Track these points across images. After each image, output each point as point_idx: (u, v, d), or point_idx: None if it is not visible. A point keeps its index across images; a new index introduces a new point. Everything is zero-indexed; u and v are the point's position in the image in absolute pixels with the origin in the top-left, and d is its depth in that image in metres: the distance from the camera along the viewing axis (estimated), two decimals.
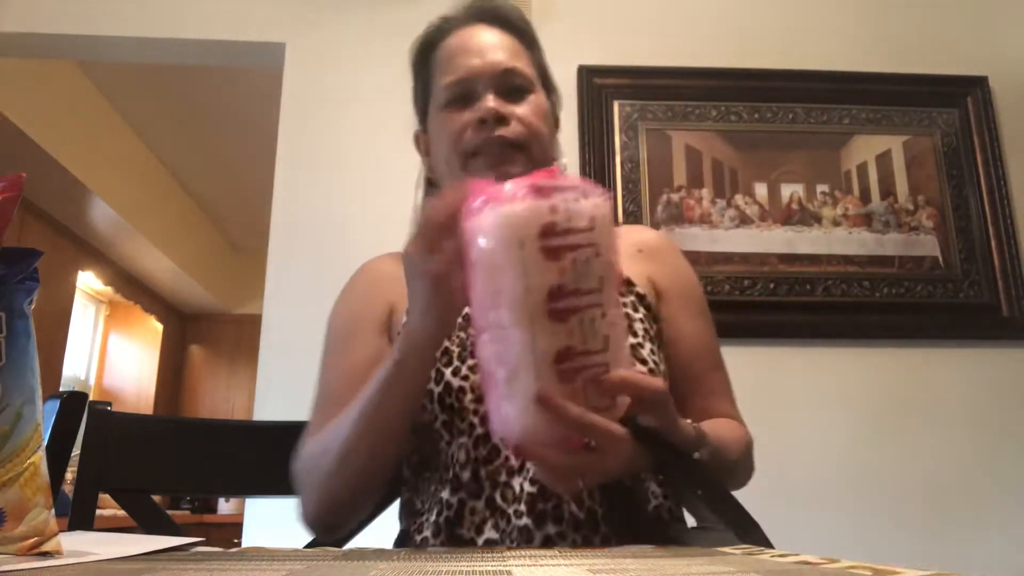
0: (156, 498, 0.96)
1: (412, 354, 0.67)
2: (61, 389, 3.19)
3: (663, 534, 0.69)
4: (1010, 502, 1.79)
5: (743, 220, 1.95)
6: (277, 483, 1.01)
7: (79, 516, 0.88)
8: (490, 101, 0.81)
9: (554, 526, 0.69)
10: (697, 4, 2.15)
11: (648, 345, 0.79)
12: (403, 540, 0.80)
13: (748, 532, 0.61)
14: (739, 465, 0.80)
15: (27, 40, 2.10)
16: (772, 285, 1.89)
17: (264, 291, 1.88)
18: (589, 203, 0.57)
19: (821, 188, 1.99)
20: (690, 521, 0.76)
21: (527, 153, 0.81)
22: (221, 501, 4.87)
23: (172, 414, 5.08)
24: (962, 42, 2.14)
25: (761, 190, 1.98)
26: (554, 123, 0.90)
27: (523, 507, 0.70)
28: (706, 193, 1.97)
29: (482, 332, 0.58)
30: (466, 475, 0.73)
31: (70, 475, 1.29)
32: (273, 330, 1.86)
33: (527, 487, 0.70)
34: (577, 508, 0.70)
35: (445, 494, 0.73)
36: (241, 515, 1.89)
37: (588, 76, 2.01)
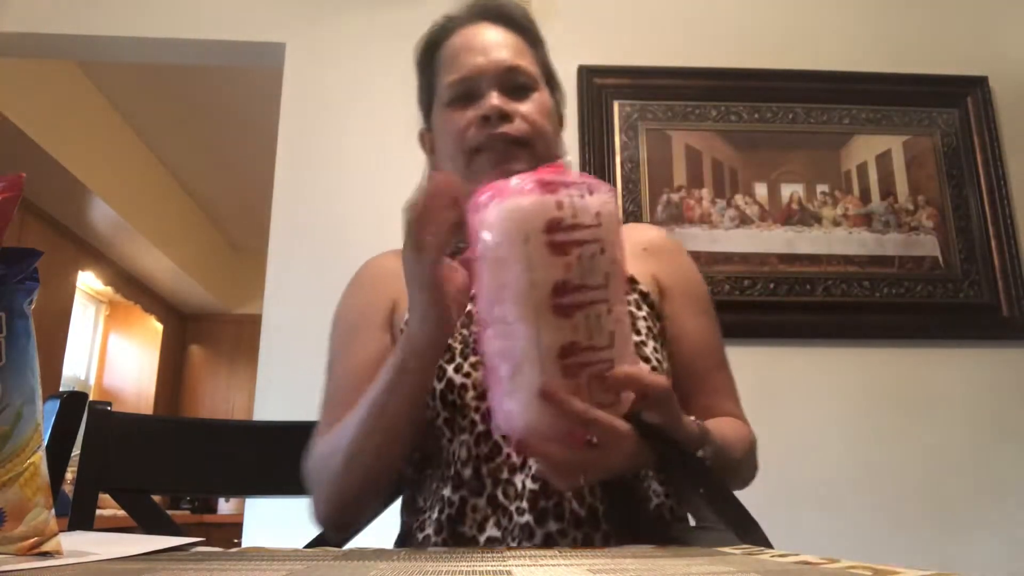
0: (156, 498, 0.96)
1: (413, 357, 0.67)
2: (61, 389, 3.19)
3: (664, 533, 0.69)
4: (1010, 502, 1.79)
5: (743, 220, 1.95)
6: (277, 483, 1.01)
7: (79, 516, 0.88)
8: (494, 99, 0.81)
9: (555, 523, 0.69)
10: (697, 4, 2.15)
11: (651, 343, 0.79)
12: (405, 537, 0.80)
13: (748, 532, 0.61)
14: (742, 464, 0.80)
15: (27, 40, 2.10)
16: (772, 285, 1.89)
17: (264, 291, 1.88)
18: (595, 199, 0.57)
19: (821, 188, 1.99)
20: (690, 520, 0.76)
21: (531, 150, 0.82)
22: (221, 501, 4.87)
23: (172, 414, 5.08)
24: (962, 42, 2.14)
25: (761, 190, 1.98)
26: (558, 121, 0.90)
27: (525, 504, 0.70)
28: (706, 193, 1.97)
29: (487, 327, 0.58)
30: (467, 472, 0.73)
31: (70, 475, 1.29)
32: (273, 330, 1.86)
33: (529, 484, 0.70)
34: (578, 505, 0.70)
35: (446, 491, 0.73)
36: (241, 515, 1.89)
37: (588, 76, 2.01)
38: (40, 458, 0.49)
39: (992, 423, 1.85)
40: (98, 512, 0.92)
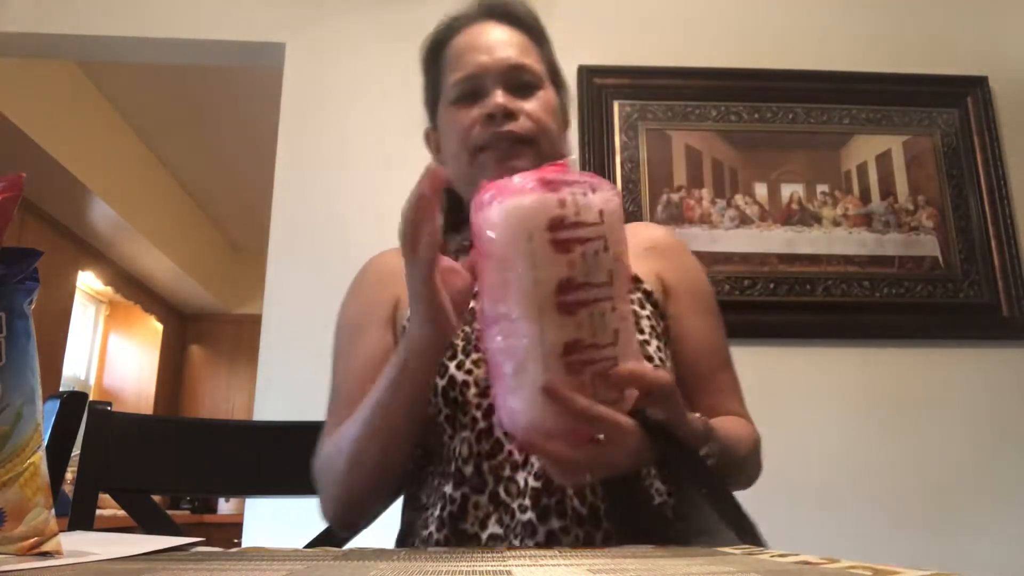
0: (156, 498, 0.96)
1: (414, 356, 0.68)
2: (61, 389, 3.19)
3: (664, 532, 0.69)
4: (1010, 502, 1.79)
5: (743, 220, 1.95)
6: (277, 483, 1.01)
7: (79, 516, 0.88)
8: (498, 97, 0.81)
9: (558, 520, 0.69)
10: (697, 4, 2.15)
11: (654, 342, 0.79)
12: (406, 534, 0.80)
13: (745, 532, 0.61)
14: (746, 462, 0.80)
15: (27, 40, 2.10)
16: (772, 285, 1.89)
17: (264, 291, 1.88)
18: (598, 197, 0.57)
19: (821, 188, 1.99)
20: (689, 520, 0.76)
21: (535, 148, 0.82)
22: (221, 501, 4.87)
23: (172, 414, 5.08)
24: (962, 42, 2.14)
25: (761, 190, 1.98)
26: (564, 119, 0.90)
27: (527, 502, 0.70)
28: (706, 193, 1.97)
29: (491, 325, 0.58)
30: (468, 469, 0.73)
31: (70, 475, 1.29)
32: (273, 330, 1.86)
33: (531, 482, 0.70)
34: (580, 504, 0.70)
35: (448, 489, 0.73)
36: (241, 515, 1.89)
37: (588, 76, 2.01)
38: (40, 458, 0.49)
39: (992, 423, 1.85)
40: (98, 512, 0.92)
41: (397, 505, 0.86)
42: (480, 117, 0.82)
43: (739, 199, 1.97)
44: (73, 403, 0.87)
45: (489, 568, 0.42)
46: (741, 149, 2.01)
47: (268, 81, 2.24)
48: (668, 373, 0.75)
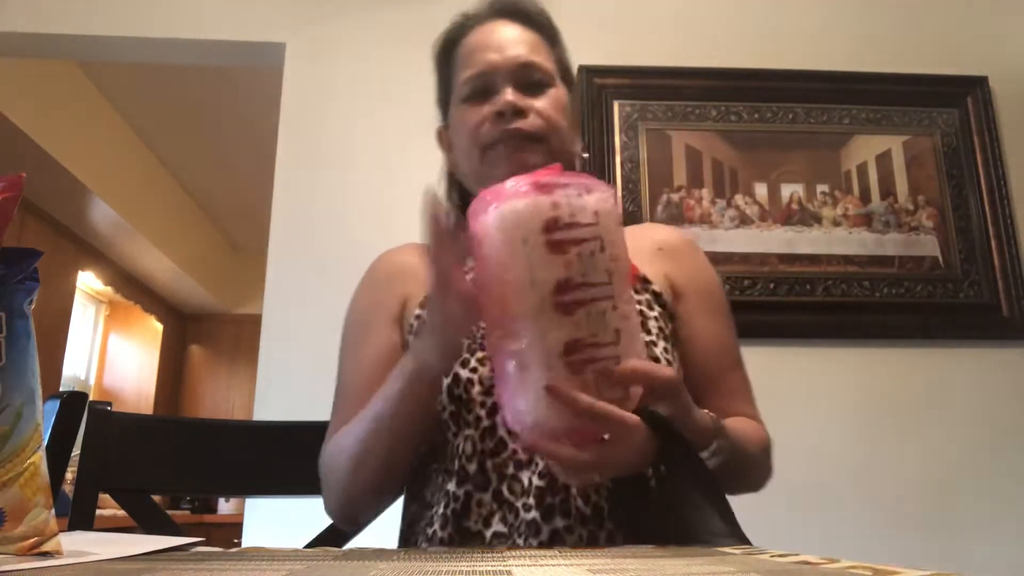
0: (156, 498, 0.96)
1: (421, 384, 0.69)
2: (61, 389, 3.19)
3: (668, 533, 0.69)
4: (1010, 502, 1.79)
5: (743, 220, 1.95)
6: (277, 483, 1.01)
7: (79, 516, 0.88)
8: (508, 94, 0.82)
9: (562, 520, 0.69)
10: (697, 4, 2.15)
11: (662, 343, 0.78)
12: (410, 531, 0.80)
13: (736, 534, 0.62)
14: (757, 463, 0.79)
15: (27, 40, 2.10)
16: (772, 285, 1.89)
17: (264, 291, 1.88)
18: (593, 198, 0.58)
19: (821, 188, 1.99)
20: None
21: (545, 145, 0.82)
22: (221, 501, 4.87)
23: (172, 414, 5.07)
24: (962, 42, 2.14)
25: (761, 190, 1.98)
26: (575, 117, 0.90)
27: (531, 500, 0.70)
28: (706, 193, 1.97)
29: (493, 328, 0.59)
30: (472, 467, 0.73)
31: (70, 475, 1.29)
32: (273, 330, 1.86)
33: (535, 481, 0.70)
34: (584, 503, 0.70)
35: (451, 486, 0.73)
36: (241, 515, 1.89)
37: (588, 76, 2.01)
38: (40, 458, 0.49)
39: (992, 423, 1.85)
40: (98, 512, 0.92)
41: (398, 503, 0.86)
42: (490, 115, 0.82)
43: (739, 199, 1.97)
44: (73, 403, 0.87)
45: (489, 568, 0.42)
46: (741, 149, 2.01)
47: (268, 81, 2.24)
48: (672, 369, 0.75)
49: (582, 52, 2.04)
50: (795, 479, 1.76)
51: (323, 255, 1.88)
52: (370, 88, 2.02)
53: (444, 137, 0.93)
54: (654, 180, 1.96)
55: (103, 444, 0.92)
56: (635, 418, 0.59)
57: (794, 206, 1.97)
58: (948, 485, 1.80)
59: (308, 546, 0.85)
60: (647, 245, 0.88)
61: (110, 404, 0.96)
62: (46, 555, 0.47)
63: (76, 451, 0.89)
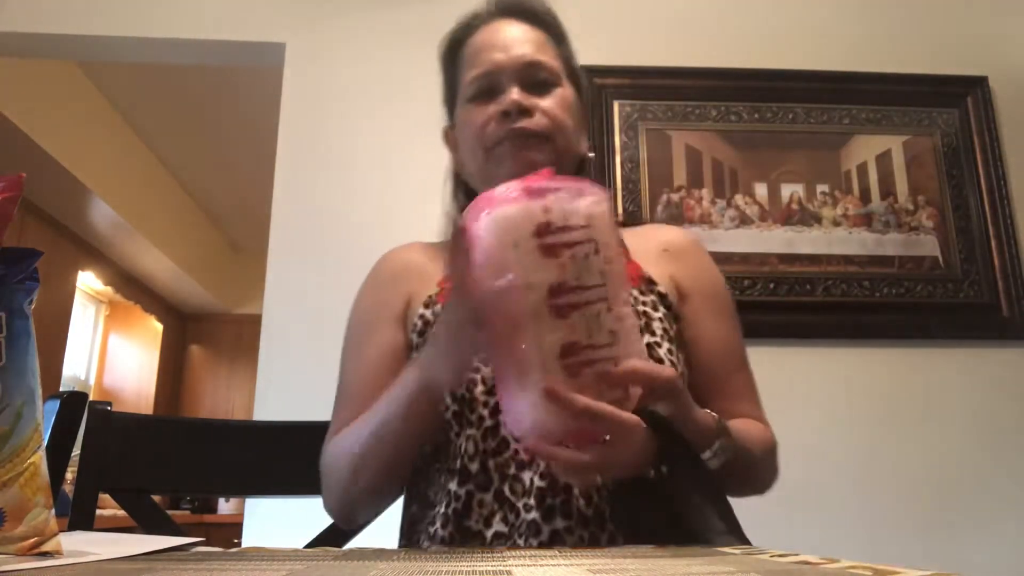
0: (156, 498, 0.96)
1: (428, 401, 0.69)
2: (61, 389, 3.19)
3: (666, 533, 0.69)
4: (1010, 502, 1.79)
5: (743, 220, 1.95)
6: (277, 483, 1.01)
7: (79, 516, 0.88)
8: (514, 94, 0.82)
9: (562, 520, 0.69)
10: (697, 4, 2.15)
11: (666, 344, 0.78)
12: (412, 529, 0.80)
13: (736, 535, 0.62)
14: (761, 464, 0.79)
15: (27, 40, 2.10)
16: (772, 285, 1.89)
17: (264, 291, 1.88)
18: (585, 201, 0.58)
19: (821, 188, 1.99)
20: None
21: (551, 144, 0.82)
22: (221, 501, 4.87)
23: (172, 414, 5.07)
24: (962, 42, 2.14)
25: (761, 190, 1.98)
26: (582, 116, 0.90)
27: (532, 501, 0.70)
28: (706, 193, 1.97)
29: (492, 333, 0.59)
30: (474, 467, 0.73)
31: (70, 475, 1.29)
32: (273, 330, 1.86)
33: (537, 481, 0.70)
34: (585, 505, 0.70)
35: (453, 486, 0.73)
36: (241, 515, 1.89)
37: (588, 76, 1.99)
38: (40, 458, 0.49)
39: (992, 423, 1.85)
40: (98, 512, 0.92)
41: (398, 502, 0.86)
42: (496, 114, 0.82)
43: (739, 199, 1.97)
44: (73, 403, 0.87)
45: (489, 568, 0.42)
46: (741, 149, 2.01)
47: (268, 81, 2.24)
48: (671, 369, 0.75)
49: (582, 52, 2.03)
50: (795, 479, 1.75)
51: (323, 255, 1.88)
52: (370, 88, 2.02)
53: (450, 137, 0.93)
54: (654, 180, 1.96)
55: (103, 444, 0.92)
56: (634, 418, 0.59)
57: (794, 206, 1.97)
58: (948, 485, 1.80)
59: (308, 546, 0.85)
60: (653, 246, 0.88)
61: (110, 404, 0.96)
62: (46, 555, 0.47)
63: (76, 451, 0.89)
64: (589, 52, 2.02)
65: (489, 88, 0.84)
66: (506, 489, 0.72)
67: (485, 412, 0.74)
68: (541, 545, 0.68)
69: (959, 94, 2.07)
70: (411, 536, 0.80)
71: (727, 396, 0.82)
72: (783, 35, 2.12)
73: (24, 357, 0.50)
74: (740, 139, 2.02)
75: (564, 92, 0.86)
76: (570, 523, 0.69)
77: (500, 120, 0.82)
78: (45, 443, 0.50)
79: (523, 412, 0.58)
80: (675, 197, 1.96)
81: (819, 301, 1.89)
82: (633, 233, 0.91)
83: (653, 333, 0.78)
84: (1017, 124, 2.06)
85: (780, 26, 2.13)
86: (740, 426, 0.74)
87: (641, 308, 0.79)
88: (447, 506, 0.73)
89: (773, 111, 2.04)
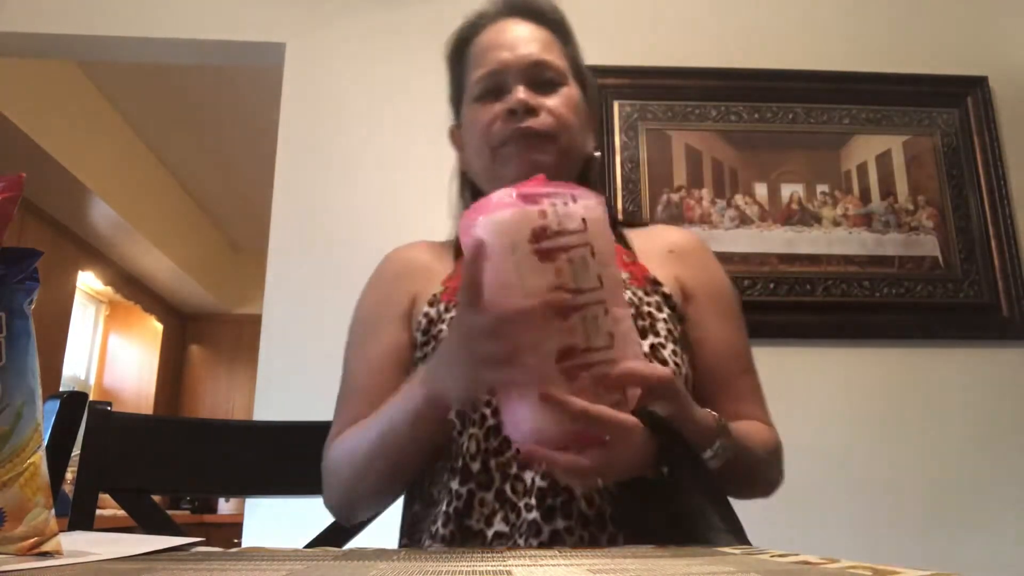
0: (156, 498, 0.96)
1: (436, 405, 0.68)
2: (61, 389, 3.19)
3: (666, 533, 0.69)
4: (1010, 502, 1.79)
5: (743, 220, 1.95)
6: (277, 483, 1.01)
7: (79, 516, 0.88)
8: (520, 93, 0.82)
9: (563, 521, 0.69)
10: (697, 4, 2.15)
11: (670, 346, 0.78)
12: (414, 527, 0.80)
13: (738, 534, 0.62)
14: (764, 465, 0.79)
15: (27, 40, 2.10)
16: (772, 285, 1.89)
17: (264, 291, 1.89)
18: (580, 205, 0.59)
19: (821, 188, 1.99)
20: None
21: (556, 144, 0.82)
22: (221, 501, 4.87)
23: (172, 414, 5.07)
24: (962, 42, 2.14)
25: (761, 190, 1.98)
26: (588, 116, 0.90)
27: (533, 501, 0.70)
28: (706, 193, 1.97)
29: None
30: (476, 466, 0.73)
31: (70, 475, 1.30)
32: (273, 330, 1.86)
33: (538, 481, 0.70)
34: (587, 506, 0.70)
35: (455, 484, 0.73)
36: (241, 515, 1.89)
37: None
38: (40, 458, 0.49)
39: (992, 423, 1.85)
40: (98, 512, 0.92)
41: (398, 502, 0.86)
42: (502, 113, 0.82)
43: (739, 199, 1.97)
44: (73, 403, 0.87)
45: (489, 568, 0.42)
46: (741, 149, 2.01)
47: (268, 81, 2.24)
48: (667, 368, 0.75)
49: (582, 52, 2.04)
50: (795, 479, 1.75)
51: (323, 255, 1.88)
52: (370, 88, 2.02)
53: (456, 136, 0.93)
54: (654, 180, 1.96)
55: (103, 444, 0.92)
56: (632, 419, 0.59)
57: (794, 206, 1.97)
58: (948, 485, 1.80)
59: (308, 546, 0.85)
60: (658, 247, 0.88)
61: (110, 404, 0.96)
62: (46, 555, 0.47)
63: (76, 451, 0.89)
64: (589, 52, 2.02)
65: (495, 87, 0.84)
66: (507, 488, 0.72)
67: (487, 411, 0.74)
68: (541, 545, 0.68)
69: (959, 94, 2.07)
70: (413, 534, 0.80)
71: (732, 398, 0.82)
72: (783, 35, 2.12)
73: (24, 357, 0.50)
74: (740, 139, 2.02)
75: (570, 91, 0.86)
76: (570, 523, 0.69)
77: (506, 119, 0.82)
78: (45, 443, 0.50)
79: (522, 417, 0.58)
80: (675, 197, 1.96)
81: (819, 301, 1.89)
82: (639, 234, 0.91)
83: (657, 334, 0.78)
84: (1017, 124, 2.06)
85: (780, 26, 2.13)
86: (742, 427, 0.74)
87: (646, 309, 0.79)
88: (448, 504, 0.73)
89: (773, 111, 2.04)
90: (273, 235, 1.93)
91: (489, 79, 0.84)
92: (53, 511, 0.49)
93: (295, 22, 2.08)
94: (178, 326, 5.40)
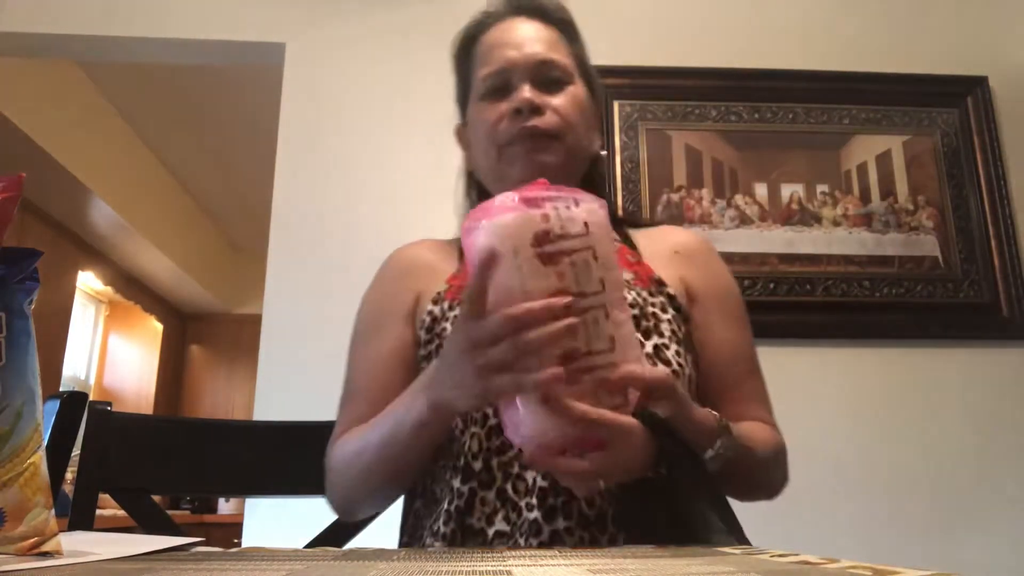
0: (156, 498, 0.96)
1: (440, 413, 0.68)
2: (61, 389, 3.19)
3: (668, 535, 0.69)
4: (1010, 502, 1.79)
5: (743, 220, 1.95)
6: (277, 483, 1.01)
7: (79, 516, 0.88)
8: (526, 92, 0.82)
9: (564, 521, 0.69)
10: (697, 4, 2.15)
11: (674, 346, 0.78)
12: (415, 526, 0.80)
13: (736, 535, 0.62)
14: (766, 466, 0.79)
15: (27, 40, 2.10)
16: (772, 285, 1.90)
17: (264, 291, 1.89)
18: (582, 209, 0.59)
19: (821, 188, 1.99)
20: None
21: (562, 143, 0.82)
22: (221, 501, 4.87)
23: (172, 414, 5.07)
24: (962, 42, 2.14)
25: (761, 190, 1.98)
26: (594, 115, 0.90)
27: (534, 500, 0.70)
28: (706, 193, 1.97)
29: None
30: (478, 465, 0.73)
31: (70, 475, 1.29)
32: (273, 330, 1.86)
33: (539, 481, 0.70)
34: (588, 507, 0.70)
35: (456, 483, 0.73)
36: (241, 515, 1.89)
37: None
38: (40, 458, 0.49)
39: (992, 423, 1.85)
40: (98, 512, 0.92)
41: (397, 504, 0.86)
42: (508, 112, 0.82)
43: (739, 199, 1.97)
44: (73, 403, 0.87)
45: (489, 568, 0.42)
46: (741, 149, 2.01)
47: (268, 81, 2.24)
48: (666, 369, 0.75)
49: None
50: (795, 479, 1.75)
51: (323, 255, 1.88)
52: (370, 88, 2.02)
53: (462, 134, 0.93)
54: (654, 180, 1.96)
55: (103, 444, 0.92)
56: (631, 421, 0.59)
57: (794, 206, 1.97)
58: (948, 485, 1.80)
59: (308, 546, 0.85)
60: (664, 248, 0.88)
61: (110, 404, 0.96)
62: (46, 555, 0.47)
63: (76, 451, 0.89)
64: (589, 52, 2.04)
65: (502, 86, 0.84)
66: (509, 488, 0.72)
67: (490, 410, 0.74)
68: (541, 545, 0.68)
69: (959, 94, 2.07)
70: (414, 532, 0.80)
71: (736, 400, 0.82)
72: (783, 35, 2.12)
73: (24, 357, 0.50)
74: (740, 139, 2.02)
75: (576, 90, 0.86)
76: (571, 524, 0.69)
77: (512, 118, 0.82)
78: (45, 443, 0.50)
79: (522, 420, 0.58)
80: (675, 197, 1.96)
81: (819, 301, 1.89)
82: (645, 234, 0.91)
83: (661, 334, 0.77)
84: (1017, 124, 2.06)
85: (780, 26, 2.13)
86: (745, 427, 0.74)
87: (650, 309, 0.78)
88: (450, 503, 0.73)
89: (773, 111, 2.04)
90: (273, 235, 1.93)
91: (495, 78, 0.84)
92: (53, 511, 0.49)
93: (295, 22, 2.08)
94: (178, 326, 5.40)
